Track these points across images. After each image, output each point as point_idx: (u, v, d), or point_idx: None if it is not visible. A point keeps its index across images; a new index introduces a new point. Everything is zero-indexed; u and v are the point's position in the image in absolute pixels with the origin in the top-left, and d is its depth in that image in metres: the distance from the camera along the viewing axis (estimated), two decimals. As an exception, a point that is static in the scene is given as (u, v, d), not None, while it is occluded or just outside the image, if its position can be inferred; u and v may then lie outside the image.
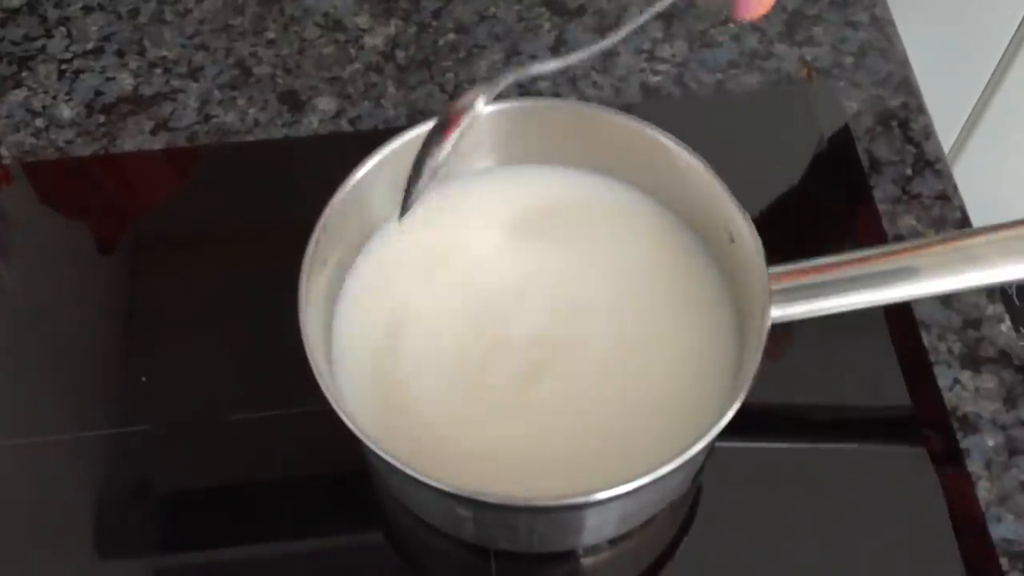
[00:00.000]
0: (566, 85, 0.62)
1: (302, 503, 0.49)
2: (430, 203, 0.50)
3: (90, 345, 0.54)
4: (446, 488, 0.39)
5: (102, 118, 0.61)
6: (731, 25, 0.64)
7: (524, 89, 0.62)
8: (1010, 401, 0.51)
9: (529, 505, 0.41)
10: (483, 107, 0.46)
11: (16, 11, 0.66)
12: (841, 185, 0.59)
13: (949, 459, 0.49)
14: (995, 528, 0.48)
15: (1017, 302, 0.94)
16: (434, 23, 0.65)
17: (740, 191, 0.46)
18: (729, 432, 0.40)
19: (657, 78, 0.62)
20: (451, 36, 0.64)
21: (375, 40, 0.64)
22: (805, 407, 0.52)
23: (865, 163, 0.59)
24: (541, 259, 0.49)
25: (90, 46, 0.64)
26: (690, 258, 0.49)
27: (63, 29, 0.65)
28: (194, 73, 0.63)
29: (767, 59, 0.63)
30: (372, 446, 0.40)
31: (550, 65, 0.45)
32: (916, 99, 0.61)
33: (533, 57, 0.63)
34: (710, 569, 0.48)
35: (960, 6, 0.73)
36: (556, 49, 0.64)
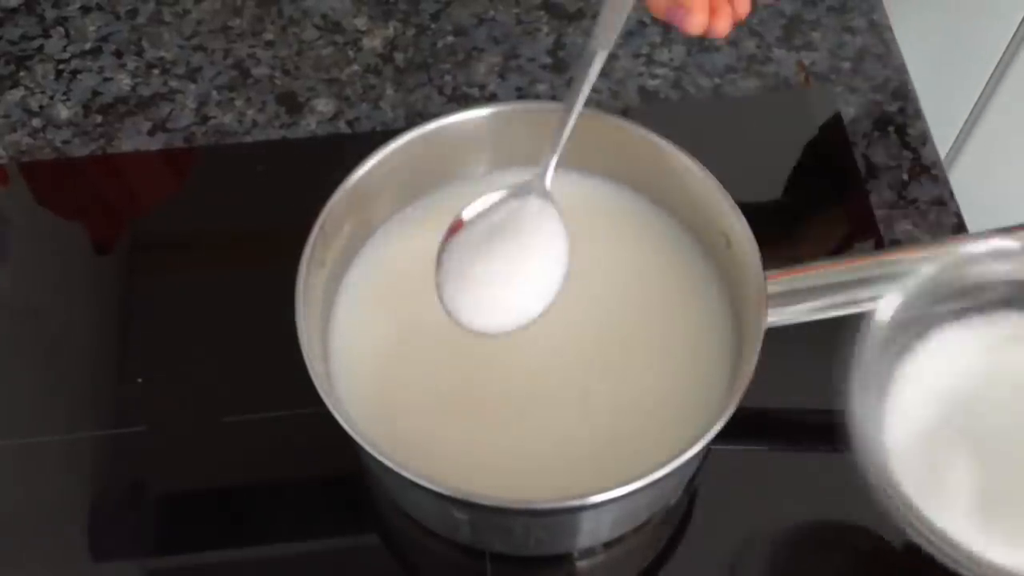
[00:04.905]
0: (564, 88, 0.62)
1: (298, 505, 0.49)
2: (428, 205, 0.50)
3: (85, 346, 0.54)
4: (442, 491, 0.39)
5: (99, 118, 0.61)
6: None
7: (522, 92, 0.62)
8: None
9: (525, 508, 0.41)
10: None
11: (14, 11, 0.66)
12: (838, 190, 0.59)
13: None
14: (990, 533, 0.48)
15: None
16: (432, 26, 0.65)
17: (737, 195, 0.46)
18: (724, 435, 0.40)
19: (655, 82, 0.62)
20: (449, 39, 0.64)
21: (373, 42, 0.64)
22: (800, 410, 0.52)
23: (862, 168, 0.59)
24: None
25: (88, 46, 0.64)
26: (686, 262, 0.49)
27: (61, 29, 0.65)
28: (192, 74, 0.63)
29: (765, 64, 0.63)
30: (368, 448, 0.40)
31: None
32: (913, 104, 0.61)
33: (532, 60, 0.63)
34: (705, 572, 0.48)
35: (957, 13, 0.73)
36: (554, 53, 0.64)
